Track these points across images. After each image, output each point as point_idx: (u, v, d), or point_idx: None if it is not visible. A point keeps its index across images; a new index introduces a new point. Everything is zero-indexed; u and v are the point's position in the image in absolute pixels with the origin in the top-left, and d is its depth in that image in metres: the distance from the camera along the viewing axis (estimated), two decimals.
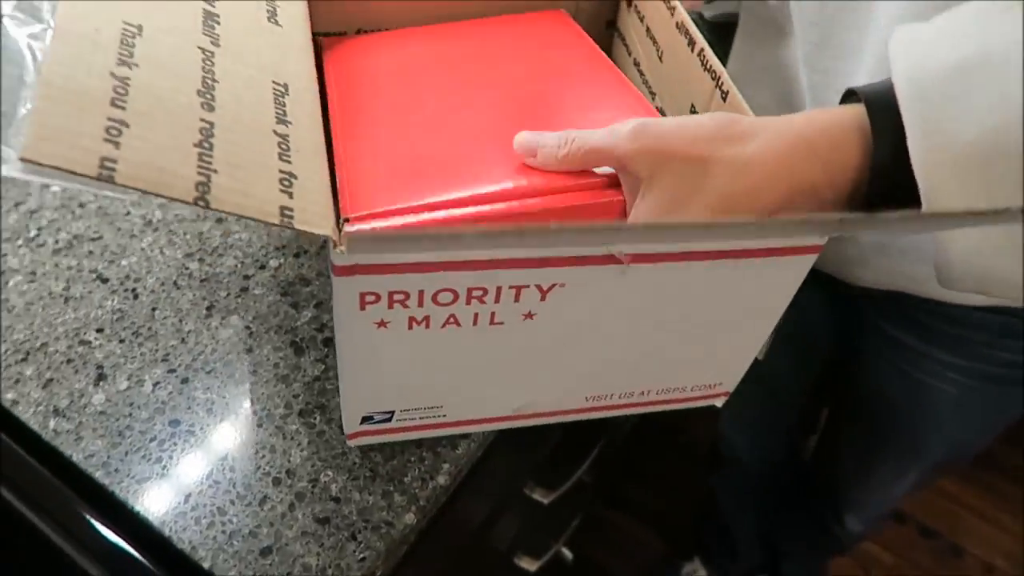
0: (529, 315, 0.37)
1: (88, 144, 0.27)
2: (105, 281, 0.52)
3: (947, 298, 0.57)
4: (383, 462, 0.44)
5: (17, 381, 0.46)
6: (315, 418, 0.46)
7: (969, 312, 0.57)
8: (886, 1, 0.43)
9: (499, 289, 0.36)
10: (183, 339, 0.49)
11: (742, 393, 0.48)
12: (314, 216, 0.31)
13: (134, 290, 0.51)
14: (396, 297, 0.35)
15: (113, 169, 0.27)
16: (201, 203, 0.28)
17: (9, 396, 0.45)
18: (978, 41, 0.31)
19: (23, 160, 0.26)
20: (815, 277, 0.38)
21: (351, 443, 0.43)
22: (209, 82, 0.33)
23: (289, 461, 0.44)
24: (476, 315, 0.37)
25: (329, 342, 0.49)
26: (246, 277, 0.53)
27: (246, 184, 0.30)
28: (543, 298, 0.37)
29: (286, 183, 0.31)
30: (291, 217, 0.30)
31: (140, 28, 0.33)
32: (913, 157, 0.31)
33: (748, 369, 0.47)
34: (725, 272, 0.38)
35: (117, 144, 0.27)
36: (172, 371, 0.47)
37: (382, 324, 0.36)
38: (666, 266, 0.36)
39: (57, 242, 0.53)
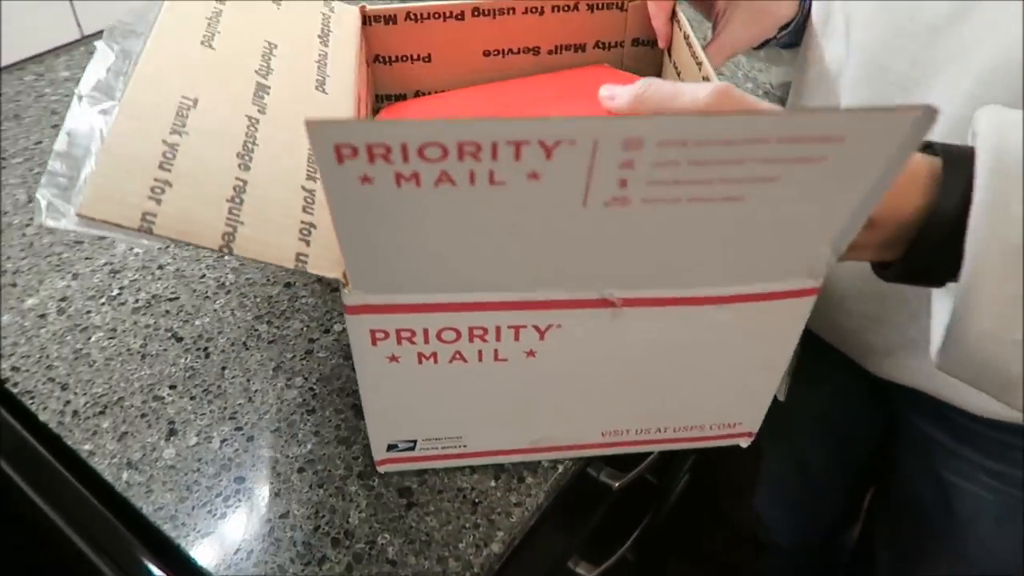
0: (531, 353, 0.39)
1: (134, 201, 0.32)
2: (179, 340, 0.54)
3: (978, 411, 0.55)
4: (439, 527, 0.45)
5: (94, 433, 0.48)
6: (373, 481, 0.47)
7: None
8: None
9: (498, 328, 0.38)
10: (250, 398, 0.51)
11: (779, 476, 0.47)
12: (326, 261, 0.35)
13: (206, 349, 0.54)
14: (404, 335, 0.38)
15: (152, 222, 0.32)
16: (226, 250, 0.33)
17: (86, 448, 0.48)
18: None
19: (79, 216, 0.31)
20: (853, 363, 0.37)
21: (381, 469, 0.47)
22: (249, 145, 0.37)
23: (348, 522, 0.45)
24: (480, 352, 0.39)
25: None
26: (311, 340, 0.55)
27: (268, 234, 0.34)
28: (542, 338, 0.39)
29: (305, 232, 0.35)
30: (304, 262, 0.34)
31: (195, 101, 0.37)
32: (972, 222, 0.31)
33: (783, 450, 0.47)
34: (720, 317, 0.38)
35: (159, 201, 0.32)
36: (239, 429, 0.49)
37: (393, 359, 0.39)
38: (658, 311, 0.38)
39: (137, 301, 0.57)
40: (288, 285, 0.59)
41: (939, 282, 0.34)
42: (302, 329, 0.56)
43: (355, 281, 0.34)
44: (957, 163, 0.32)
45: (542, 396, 0.43)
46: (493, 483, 0.47)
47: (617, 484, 0.60)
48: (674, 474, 0.89)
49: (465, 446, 0.46)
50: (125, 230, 0.31)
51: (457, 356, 0.39)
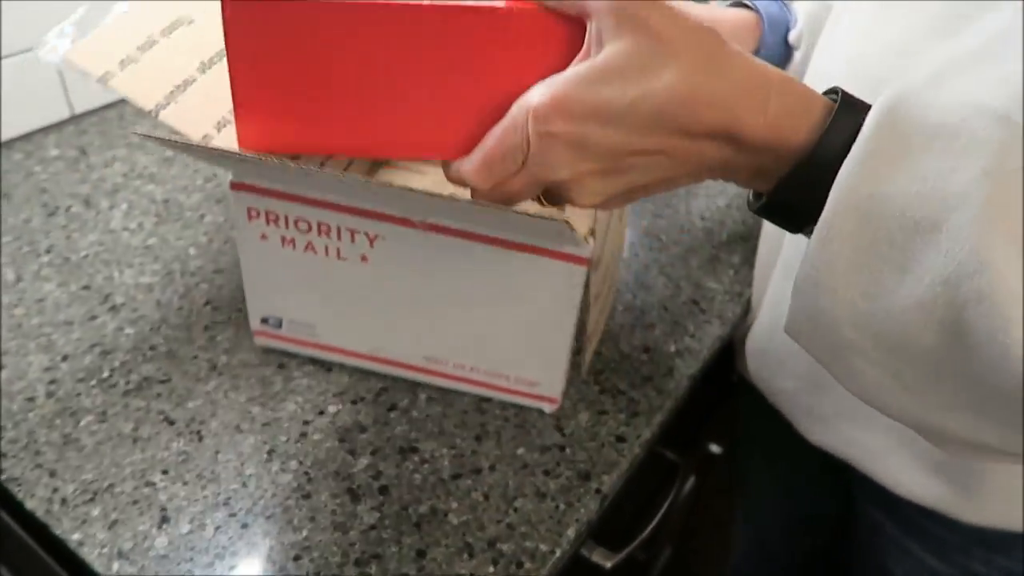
0: (364, 258, 0.50)
1: (106, 62, 0.42)
2: (172, 423, 0.54)
3: (898, 488, 0.54)
4: None
5: (84, 522, 0.47)
6: (371, 568, 0.47)
7: None
8: None
9: (339, 229, 0.49)
10: (244, 483, 0.51)
11: (745, 554, 0.47)
12: (230, 145, 0.39)
13: (199, 432, 0.53)
14: (271, 216, 0.49)
15: (109, 78, 0.41)
16: (154, 113, 0.40)
17: (76, 537, 0.47)
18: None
19: (66, 58, 0.41)
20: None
21: (257, 341, 0.58)
22: (215, 60, 0.43)
23: None
24: (327, 247, 0.50)
25: (386, 490, 0.51)
26: (305, 422, 0.55)
27: (191, 115, 0.41)
28: (371, 244, 0.49)
29: (221, 126, 0.41)
30: (207, 141, 0.40)
31: (191, 21, 0.44)
32: (842, 170, 0.29)
33: (748, 528, 0.49)
34: (502, 259, 0.48)
35: (123, 68, 0.42)
36: (233, 515, 0.49)
37: (263, 237, 0.50)
38: (454, 240, 0.48)
39: (128, 383, 0.56)
40: (281, 366, 0.59)
41: (797, 225, 0.34)
42: (296, 411, 0.56)
43: None
44: (851, 110, 0.31)
45: (375, 304, 0.53)
46: (491, 568, 0.47)
47: (610, 564, 0.60)
48: (659, 549, 0.89)
49: (318, 336, 0.56)
50: (91, 76, 0.41)
51: (309, 246, 0.50)
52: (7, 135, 0.78)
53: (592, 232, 0.47)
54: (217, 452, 0.52)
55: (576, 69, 0.31)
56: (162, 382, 0.57)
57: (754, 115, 0.31)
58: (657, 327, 0.65)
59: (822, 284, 0.30)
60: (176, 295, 0.64)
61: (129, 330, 0.60)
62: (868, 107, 0.31)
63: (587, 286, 0.49)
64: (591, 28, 0.31)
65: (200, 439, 0.53)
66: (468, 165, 0.34)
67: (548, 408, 0.57)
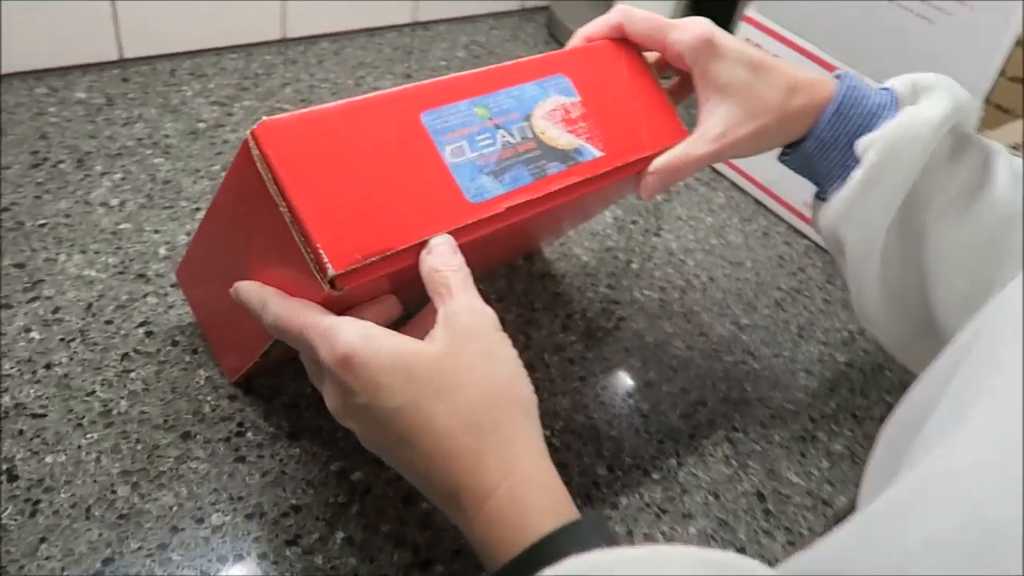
0: None
1: None
2: (14, 479, 0.41)
3: None
4: None
5: None
6: None
7: None
8: None
9: None
10: None
11: None
12: None
13: (37, 504, 0.40)
14: None
15: None
16: None
17: None
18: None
19: None
20: None
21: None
22: None
23: None
24: None
25: None
26: (175, 529, 0.41)
27: None
28: None
29: None
30: None
31: None
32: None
33: None
34: None
35: None
36: None
37: None
38: None
39: None
40: (186, 436, 0.45)
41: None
42: (172, 508, 0.42)
43: None
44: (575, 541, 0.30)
45: None
46: None
47: None
48: None
49: None
50: None
51: None
52: (41, 64, 0.69)
53: None
54: (43, 541, 0.39)
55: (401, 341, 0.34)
56: (35, 416, 0.44)
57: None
58: None
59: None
60: (113, 303, 0.51)
61: (35, 334, 0.48)
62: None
63: None
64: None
65: (32, 515, 0.40)
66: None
67: None
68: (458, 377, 0.33)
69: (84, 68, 0.72)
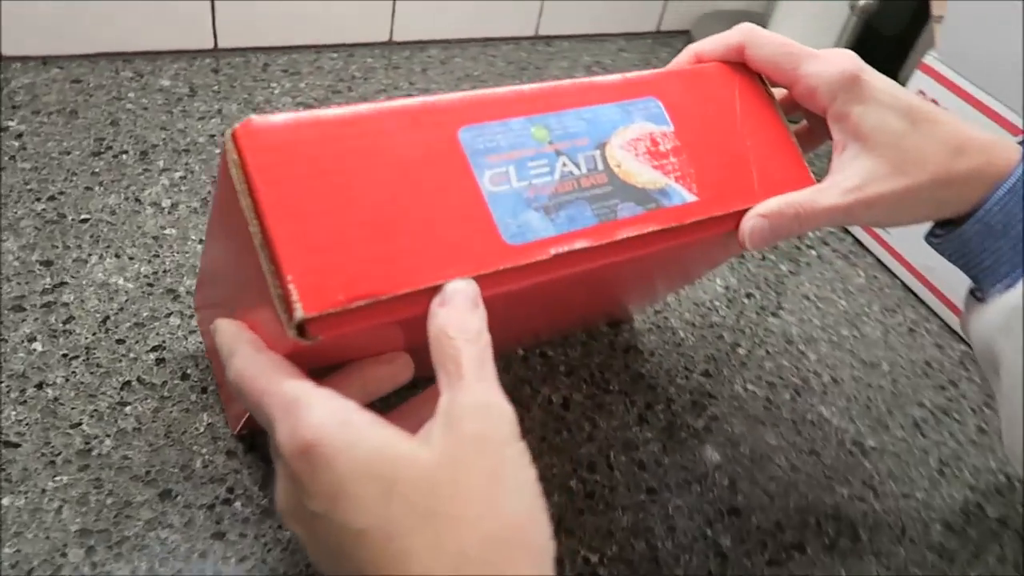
0: None
1: None
2: None
3: None
4: None
5: None
6: None
7: None
8: None
9: None
10: None
11: None
12: None
13: None
14: None
15: None
16: None
17: None
18: None
19: None
20: None
21: None
22: None
23: None
24: None
25: None
26: None
27: None
28: None
29: None
30: None
31: None
32: None
33: None
34: None
35: None
36: None
37: None
38: None
39: None
40: (165, 495, 0.38)
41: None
42: None
43: None
44: None
45: None
46: None
47: None
48: None
49: None
50: None
51: None
52: (132, 47, 0.66)
53: None
54: None
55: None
56: (8, 444, 0.39)
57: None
58: None
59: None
60: (131, 320, 0.46)
61: (39, 346, 0.43)
62: None
63: None
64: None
65: None
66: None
67: None
68: (453, 505, 0.25)
69: (176, 55, 0.68)
